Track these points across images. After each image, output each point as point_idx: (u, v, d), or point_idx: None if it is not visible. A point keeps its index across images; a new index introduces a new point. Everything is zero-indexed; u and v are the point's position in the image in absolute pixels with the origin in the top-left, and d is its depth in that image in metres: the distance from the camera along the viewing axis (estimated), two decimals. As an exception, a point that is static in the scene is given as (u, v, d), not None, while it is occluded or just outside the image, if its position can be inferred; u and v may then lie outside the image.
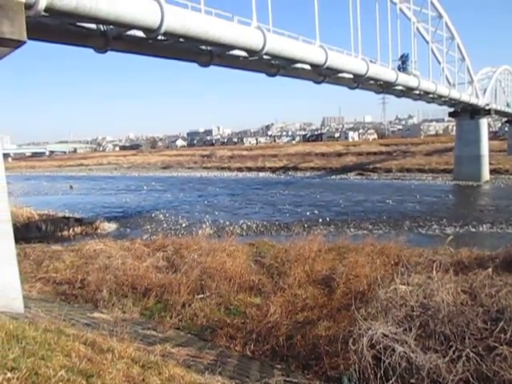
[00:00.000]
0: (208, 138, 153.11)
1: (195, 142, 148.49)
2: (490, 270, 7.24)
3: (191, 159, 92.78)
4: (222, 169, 79.94)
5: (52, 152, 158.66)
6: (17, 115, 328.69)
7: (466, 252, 11.35)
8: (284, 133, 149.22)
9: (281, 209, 32.75)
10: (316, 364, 5.98)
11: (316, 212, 29.95)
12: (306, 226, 23.00)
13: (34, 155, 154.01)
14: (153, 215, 30.64)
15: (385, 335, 5.10)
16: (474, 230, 23.50)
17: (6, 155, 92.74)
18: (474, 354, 4.85)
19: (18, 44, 6.86)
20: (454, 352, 4.96)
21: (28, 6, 10.08)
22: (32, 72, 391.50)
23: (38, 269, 11.15)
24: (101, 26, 15.72)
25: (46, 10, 11.08)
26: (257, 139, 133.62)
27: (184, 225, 25.66)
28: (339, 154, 75.71)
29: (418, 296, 5.92)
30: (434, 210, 29.85)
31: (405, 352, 4.89)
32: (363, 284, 8.46)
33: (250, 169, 76.39)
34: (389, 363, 4.83)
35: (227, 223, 25.30)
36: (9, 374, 3.05)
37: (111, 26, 15.32)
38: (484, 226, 24.13)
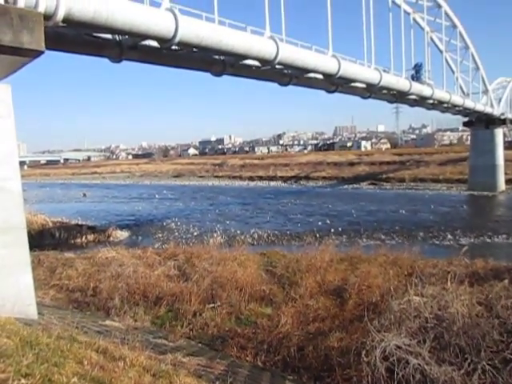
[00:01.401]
0: (220, 146, 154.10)
1: (207, 150, 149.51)
2: (506, 281, 7.11)
3: (203, 168, 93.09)
4: (234, 178, 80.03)
5: (66, 160, 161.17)
6: (32, 123, 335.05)
7: (481, 263, 11.20)
8: (296, 142, 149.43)
9: (292, 218, 32.64)
10: (328, 376, 5.90)
11: (328, 222, 29.80)
12: (317, 235, 22.83)
13: (49, 163, 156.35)
14: (164, 224, 30.80)
15: (398, 347, 5.02)
16: (489, 240, 23.18)
17: (21, 163, 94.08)
18: (489, 367, 4.75)
19: (36, 54, 6.97)
20: (469, 364, 4.86)
21: (47, 17, 10.34)
22: (48, 81, 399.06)
23: (51, 276, 11.26)
24: (116, 36, 16.01)
25: (64, 20, 11.34)
26: (268, 148, 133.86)
27: (195, 234, 25.72)
28: (351, 164, 75.12)
29: (433, 307, 5.82)
30: (448, 221, 29.50)
31: (419, 364, 4.80)
32: (376, 295, 8.35)
33: (261, 178, 76.25)
34: (402, 375, 4.75)
35: (238, 232, 25.28)
36: (23, 381, 3.07)
37: (126, 36, 15.59)
38: (500, 236, 23.80)
